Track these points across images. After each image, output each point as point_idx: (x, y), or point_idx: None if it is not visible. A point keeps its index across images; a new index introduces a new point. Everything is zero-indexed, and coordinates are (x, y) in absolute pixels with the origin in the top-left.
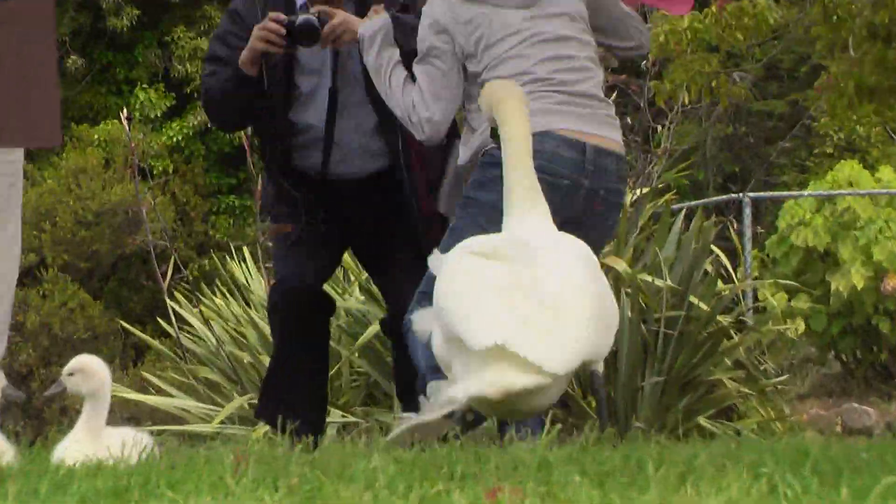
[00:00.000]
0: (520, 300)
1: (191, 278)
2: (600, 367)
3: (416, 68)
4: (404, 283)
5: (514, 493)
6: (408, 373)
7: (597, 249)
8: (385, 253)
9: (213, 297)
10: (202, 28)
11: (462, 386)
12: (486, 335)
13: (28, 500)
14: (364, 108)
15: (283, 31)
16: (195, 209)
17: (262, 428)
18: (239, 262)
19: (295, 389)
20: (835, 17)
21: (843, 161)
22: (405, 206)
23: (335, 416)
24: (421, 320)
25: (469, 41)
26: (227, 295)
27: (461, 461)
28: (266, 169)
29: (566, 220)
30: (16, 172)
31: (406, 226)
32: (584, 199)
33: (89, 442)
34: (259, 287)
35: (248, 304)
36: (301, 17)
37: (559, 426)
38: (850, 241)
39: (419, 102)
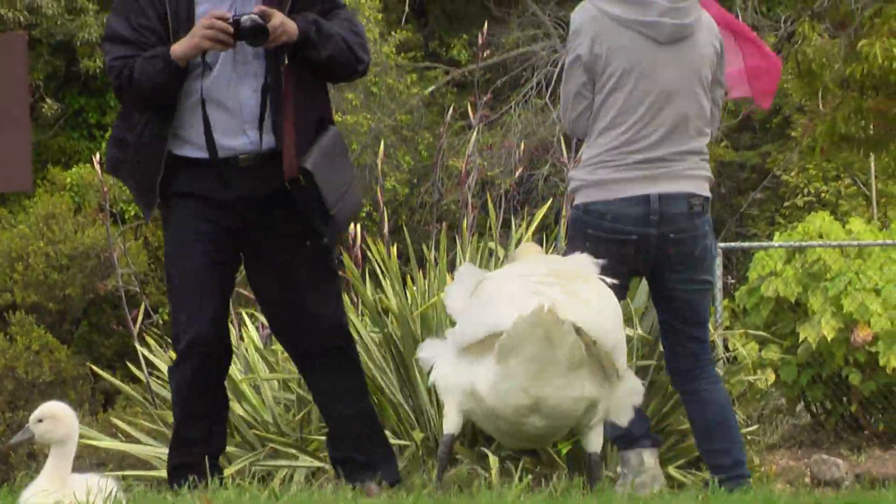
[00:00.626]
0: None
1: (161, 322)
2: (599, 445)
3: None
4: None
5: None
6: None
7: (705, 275)
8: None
9: None
10: None
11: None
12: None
13: None
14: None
15: (231, 29)
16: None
17: (232, 470)
18: None
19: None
20: (807, 70)
21: (813, 213)
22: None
23: (305, 461)
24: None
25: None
26: None
27: None
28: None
29: (639, 269)
30: None
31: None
32: (655, 247)
33: (55, 488)
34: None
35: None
36: (248, 17)
37: (530, 476)
38: (821, 292)
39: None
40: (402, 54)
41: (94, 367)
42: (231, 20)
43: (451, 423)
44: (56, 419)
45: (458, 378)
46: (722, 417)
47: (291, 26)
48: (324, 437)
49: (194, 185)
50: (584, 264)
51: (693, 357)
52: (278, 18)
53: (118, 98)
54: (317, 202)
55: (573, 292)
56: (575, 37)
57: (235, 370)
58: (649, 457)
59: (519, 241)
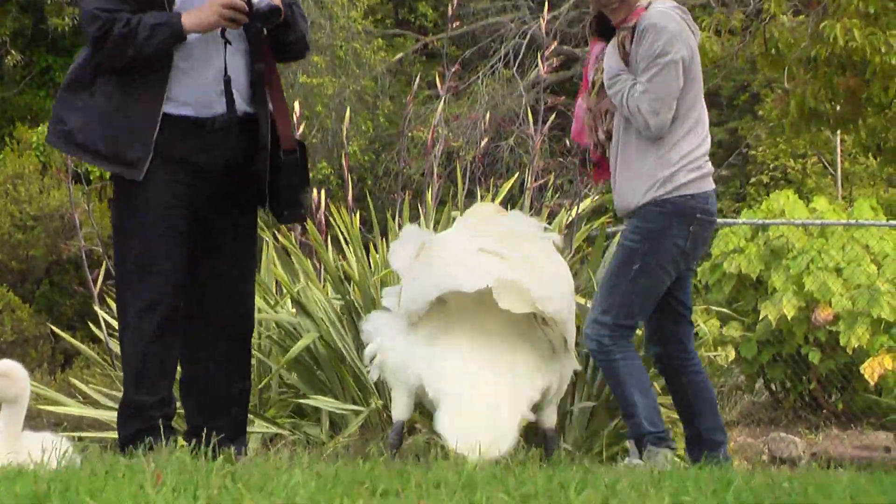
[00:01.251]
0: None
1: None
2: (554, 420)
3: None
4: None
5: None
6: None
7: None
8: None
9: None
10: None
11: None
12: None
13: None
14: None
15: (247, 9)
16: None
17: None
18: None
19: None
20: (774, 50)
21: (778, 190)
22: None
23: (261, 426)
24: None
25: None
26: None
27: (384, 478)
28: None
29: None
30: None
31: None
32: None
33: (6, 446)
34: None
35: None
36: (264, 2)
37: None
38: (783, 270)
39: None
40: (370, 18)
41: (55, 328)
42: (247, 0)
43: (400, 410)
44: (9, 378)
45: (407, 371)
46: (712, 396)
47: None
48: (280, 404)
49: (177, 149)
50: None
51: (684, 340)
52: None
53: (95, 48)
54: (302, 174)
55: (523, 259)
56: (673, 41)
57: None
58: (671, 457)
59: None
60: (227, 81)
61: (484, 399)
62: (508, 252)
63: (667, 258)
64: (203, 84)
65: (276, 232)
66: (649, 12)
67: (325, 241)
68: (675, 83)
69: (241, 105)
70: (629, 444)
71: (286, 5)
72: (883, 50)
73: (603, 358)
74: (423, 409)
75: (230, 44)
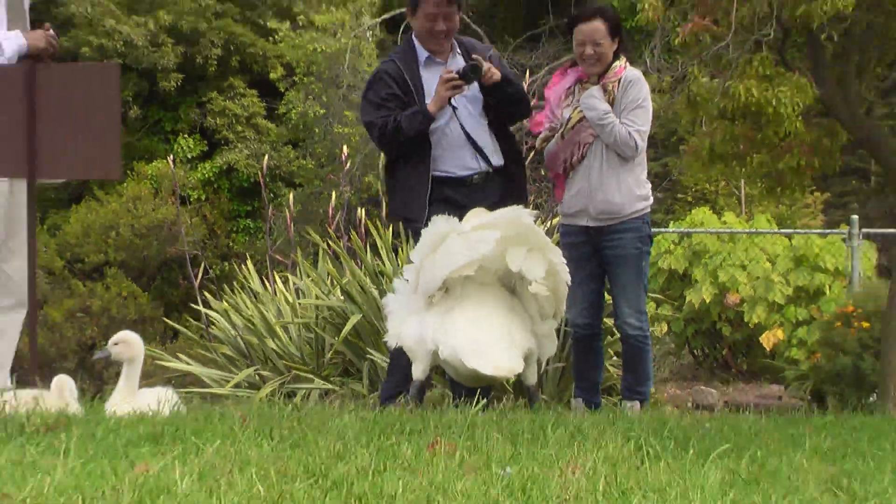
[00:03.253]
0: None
1: (215, 278)
2: (535, 378)
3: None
4: None
5: (448, 445)
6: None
7: None
8: None
9: (231, 294)
10: (229, 94)
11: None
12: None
13: (87, 441)
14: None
15: (458, 77)
16: (220, 228)
17: (266, 390)
18: (248, 269)
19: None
20: (693, 103)
21: (698, 207)
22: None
23: (319, 384)
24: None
25: None
26: (240, 291)
27: (409, 421)
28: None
29: None
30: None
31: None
32: None
33: (127, 398)
34: (261, 287)
35: (255, 298)
36: (465, 65)
37: (485, 399)
38: (702, 266)
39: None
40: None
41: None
42: (455, 72)
43: (419, 373)
44: (127, 343)
45: (421, 337)
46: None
47: (497, 70)
48: (332, 367)
49: (447, 198)
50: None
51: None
52: (487, 63)
53: (380, 146)
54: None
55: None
56: (648, 93)
57: (270, 315)
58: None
59: None
60: (474, 144)
61: (493, 337)
62: (504, 230)
63: (647, 254)
64: (457, 149)
65: (328, 240)
66: (630, 71)
67: (365, 246)
68: (650, 121)
69: (496, 160)
70: (574, 401)
71: (505, 67)
72: (774, 102)
73: (645, 342)
74: (439, 369)
75: (456, 108)
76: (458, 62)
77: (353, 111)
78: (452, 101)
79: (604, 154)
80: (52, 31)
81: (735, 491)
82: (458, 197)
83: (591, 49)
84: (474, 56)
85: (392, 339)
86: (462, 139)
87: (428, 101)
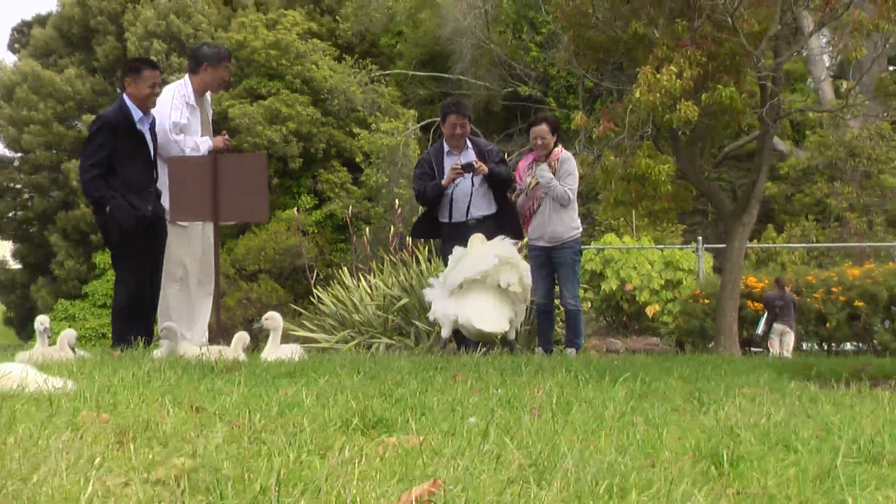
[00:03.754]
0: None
1: (323, 279)
2: (514, 335)
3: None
4: None
5: (462, 376)
6: None
7: None
8: None
9: (333, 287)
10: (330, 170)
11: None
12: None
13: (250, 376)
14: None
15: (461, 168)
16: (325, 249)
17: (352, 345)
18: (343, 273)
19: None
20: (605, 172)
21: (607, 233)
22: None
23: (384, 341)
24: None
25: None
26: (338, 286)
27: (440, 362)
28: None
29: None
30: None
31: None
32: None
33: (274, 352)
34: (351, 283)
35: (347, 290)
36: (465, 162)
37: (485, 348)
38: (610, 268)
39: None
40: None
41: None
42: (460, 166)
43: (445, 332)
44: (272, 318)
45: (447, 312)
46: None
47: (484, 165)
48: (392, 330)
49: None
50: (510, 248)
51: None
52: (479, 163)
53: (417, 200)
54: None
55: (512, 263)
56: (575, 166)
57: (356, 299)
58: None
59: None
60: (470, 203)
61: (490, 310)
62: (497, 256)
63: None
64: (460, 204)
65: (390, 255)
66: (564, 153)
67: (411, 259)
68: (577, 183)
69: (486, 210)
70: (537, 349)
71: (488, 151)
72: (653, 172)
73: (578, 313)
74: (456, 331)
75: (456, 186)
76: (469, 155)
77: (405, 180)
78: (470, 178)
79: (551, 203)
80: (226, 136)
81: (633, 401)
82: (458, 232)
83: (540, 141)
84: (472, 160)
85: (431, 314)
86: (465, 199)
87: (443, 178)
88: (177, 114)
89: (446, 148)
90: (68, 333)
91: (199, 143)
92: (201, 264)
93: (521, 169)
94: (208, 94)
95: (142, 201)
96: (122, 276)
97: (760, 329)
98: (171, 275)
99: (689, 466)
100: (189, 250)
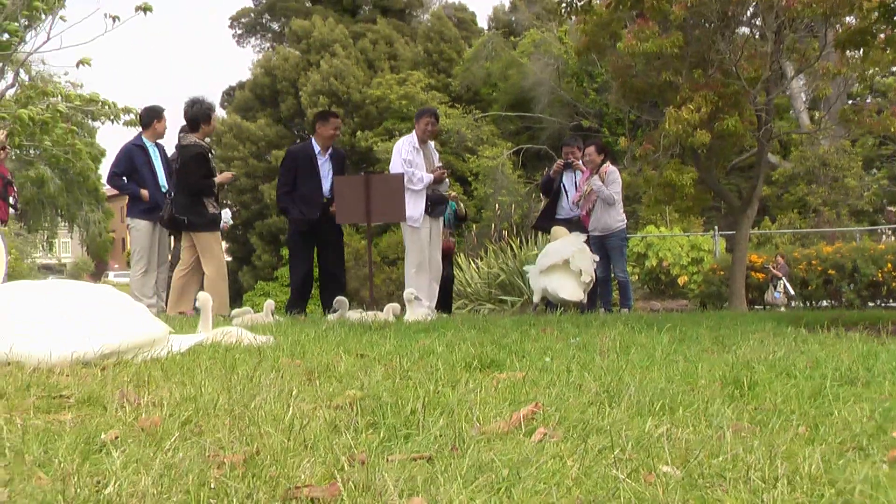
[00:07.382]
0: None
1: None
2: (585, 300)
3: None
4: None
5: (550, 329)
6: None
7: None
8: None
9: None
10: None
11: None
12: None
13: (397, 332)
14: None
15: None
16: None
17: (467, 309)
18: (460, 258)
19: None
20: (646, 180)
21: (647, 225)
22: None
23: (489, 307)
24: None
25: None
26: (457, 268)
27: (533, 320)
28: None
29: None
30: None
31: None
32: None
33: (411, 316)
34: (465, 265)
35: (461, 270)
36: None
37: (562, 309)
38: (652, 250)
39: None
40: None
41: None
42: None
43: (536, 298)
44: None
45: (538, 284)
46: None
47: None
48: (489, 300)
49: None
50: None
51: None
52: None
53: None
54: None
55: (583, 250)
56: (619, 178)
57: (469, 276)
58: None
59: None
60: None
61: (569, 281)
62: (574, 247)
63: (625, 245)
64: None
65: (492, 244)
66: (611, 167)
67: (508, 245)
68: (621, 189)
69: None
70: (600, 309)
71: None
72: (681, 180)
73: (627, 283)
74: (543, 301)
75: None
76: (430, 147)
77: (504, 191)
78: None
79: (601, 204)
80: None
81: (675, 345)
82: (568, 226)
83: (588, 157)
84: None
85: (531, 285)
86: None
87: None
88: (406, 154)
89: (415, 141)
90: (270, 303)
91: (424, 176)
92: (429, 255)
93: (581, 181)
94: (431, 143)
95: (310, 210)
96: (294, 262)
97: (779, 293)
98: (411, 262)
99: (718, 390)
100: (419, 246)
